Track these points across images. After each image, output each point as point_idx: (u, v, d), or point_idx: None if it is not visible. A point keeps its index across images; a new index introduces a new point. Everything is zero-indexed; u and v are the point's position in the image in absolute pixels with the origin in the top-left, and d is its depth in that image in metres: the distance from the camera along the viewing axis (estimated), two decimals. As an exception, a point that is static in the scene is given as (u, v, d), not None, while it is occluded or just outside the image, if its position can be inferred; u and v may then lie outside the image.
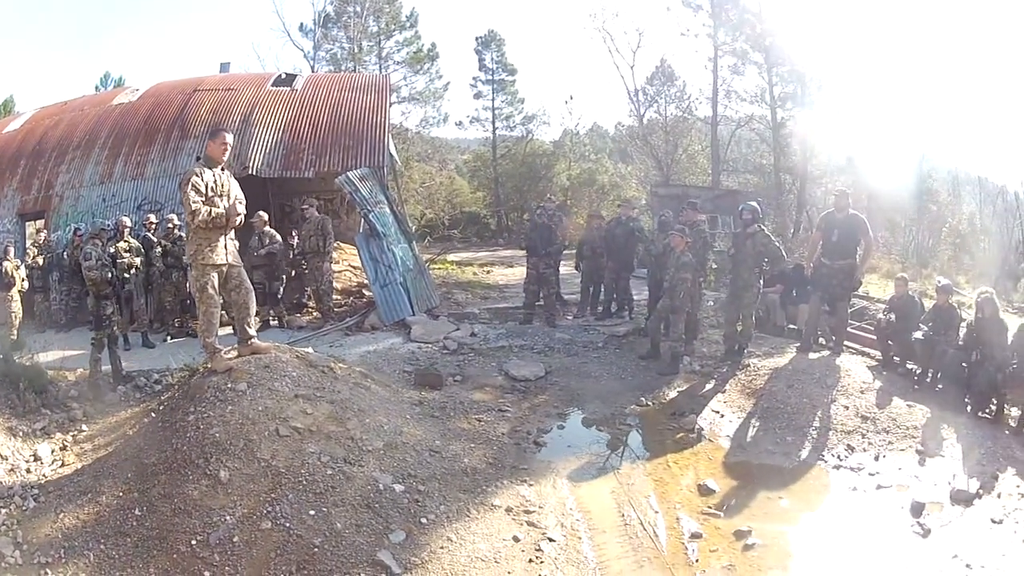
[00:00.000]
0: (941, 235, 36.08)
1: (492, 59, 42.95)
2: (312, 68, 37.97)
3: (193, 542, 6.14)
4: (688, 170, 38.37)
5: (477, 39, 43.43)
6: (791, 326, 14.18)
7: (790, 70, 32.11)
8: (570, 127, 43.54)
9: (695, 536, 7.46)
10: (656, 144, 37.86)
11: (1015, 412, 10.51)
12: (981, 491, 8.51)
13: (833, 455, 9.47)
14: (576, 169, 40.77)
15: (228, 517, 6.33)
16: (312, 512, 6.47)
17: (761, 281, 12.60)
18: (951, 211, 38.95)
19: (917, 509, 8.17)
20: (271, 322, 14.45)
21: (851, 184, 36.63)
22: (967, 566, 7.10)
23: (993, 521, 7.91)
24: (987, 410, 10.58)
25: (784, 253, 13.05)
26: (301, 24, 40.51)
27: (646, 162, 39.24)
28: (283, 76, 20.79)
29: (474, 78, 43.33)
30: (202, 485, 6.58)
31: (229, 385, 7.60)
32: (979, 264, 31.89)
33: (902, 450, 9.56)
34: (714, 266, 16.48)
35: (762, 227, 12.37)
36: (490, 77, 43.01)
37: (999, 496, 8.42)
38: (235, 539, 6.15)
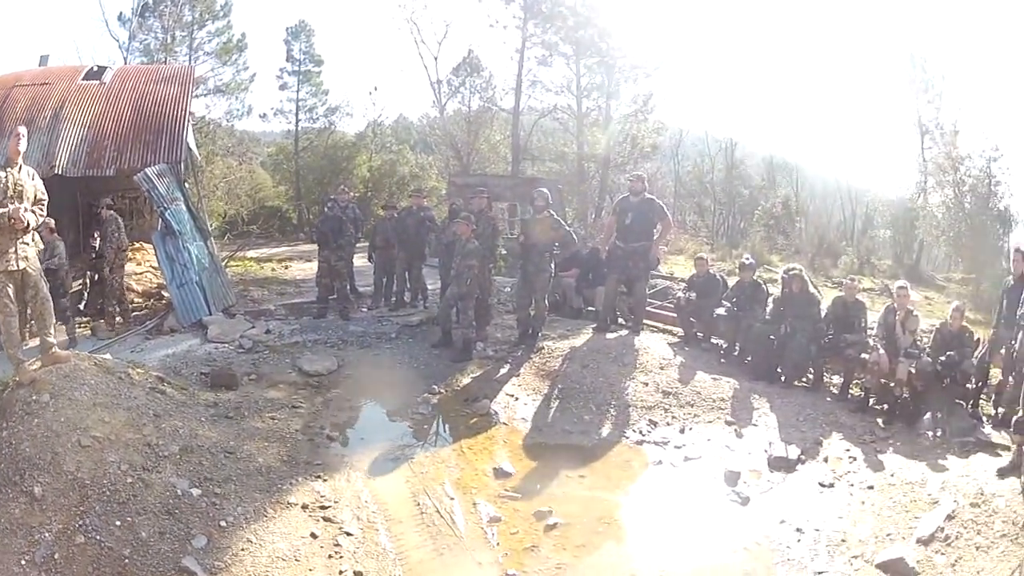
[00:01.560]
0: (754, 217, 37.95)
1: (300, 50, 42.03)
2: (125, 60, 36.03)
3: (23, 561, 6.10)
4: (489, 160, 39.04)
5: (287, 29, 42.26)
6: (589, 308, 14.46)
7: (599, 61, 32.94)
8: (373, 119, 43.46)
9: (494, 520, 7.52)
10: (456, 134, 38.22)
11: (836, 380, 11.16)
12: (804, 457, 8.86)
13: (635, 431, 9.65)
14: (377, 160, 40.61)
15: (47, 534, 6.29)
16: (119, 523, 6.47)
17: (553, 265, 12.77)
18: (765, 195, 41.08)
19: (732, 478, 8.38)
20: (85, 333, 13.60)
21: (656, 170, 37.97)
22: (798, 530, 7.36)
23: (822, 485, 8.25)
24: (803, 380, 11.15)
25: (575, 237, 13.37)
26: (120, 13, 38.44)
27: (447, 152, 39.40)
28: (95, 69, 19.54)
29: (281, 69, 42.08)
30: (21, 503, 6.49)
31: (34, 397, 7.46)
32: (794, 244, 33.70)
33: (710, 422, 9.84)
34: (503, 252, 16.67)
35: (552, 212, 12.59)
36: (297, 68, 42.16)
37: (826, 460, 8.81)
38: (56, 556, 6.16)
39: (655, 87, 33.68)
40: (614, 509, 7.85)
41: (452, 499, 7.85)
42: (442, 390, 10.97)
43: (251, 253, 24.73)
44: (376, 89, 70.12)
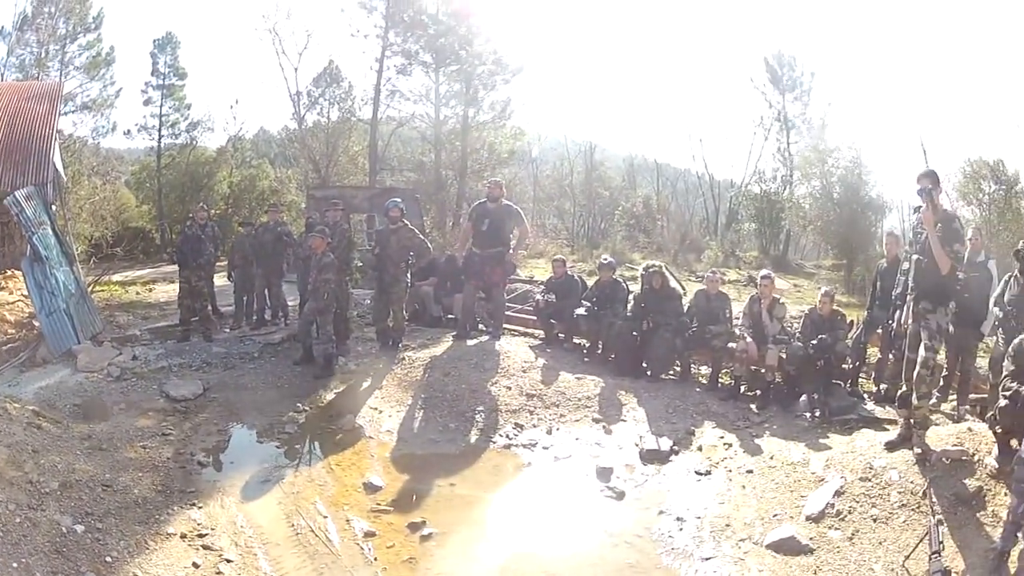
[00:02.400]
0: (614, 218, 38.61)
1: (166, 63, 40.86)
2: (1, 76, 34.62)
3: (-59, 611, 5.89)
4: (348, 171, 38.83)
5: (155, 41, 40.98)
6: (448, 316, 14.63)
7: (458, 69, 33.16)
8: (234, 133, 42.69)
9: (369, 535, 7.40)
10: (315, 146, 38.10)
11: (705, 371, 11.52)
12: (677, 448, 9.06)
13: (502, 435, 9.76)
14: (237, 176, 40.11)
15: (-46, 581, 6.09)
16: (15, 564, 6.20)
17: (409, 275, 12.88)
18: (625, 195, 41.86)
19: (605, 474, 8.47)
20: None
21: (515, 176, 38.25)
22: (678, 519, 7.51)
23: (699, 473, 8.44)
24: (670, 373, 11.44)
25: (430, 246, 13.51)
26: (1, 27, 36.82)
27: (305, 165, 39.10)
28: (-27, 87, 18.84)
29: (146, 83, 40.67)
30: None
31: (-80, 439, 7.42)
32: (656, 241, 34.44)
33: (577, 421, 9.98)
34: (359, 264, 16.85)
35: (406, 222, 12.70)
36: (161, 82, 40.93)
37: (700, 449, 9.01)
38: (-36, 603, 5.94)
39: (513, 93, 33.95)
40: (488, 514, 7.85)
41: (325, 517, 7.74)
42: (307, 407, 10.94)
43: (116, 277, 24.11)
44: (237, 102, 68.88)
